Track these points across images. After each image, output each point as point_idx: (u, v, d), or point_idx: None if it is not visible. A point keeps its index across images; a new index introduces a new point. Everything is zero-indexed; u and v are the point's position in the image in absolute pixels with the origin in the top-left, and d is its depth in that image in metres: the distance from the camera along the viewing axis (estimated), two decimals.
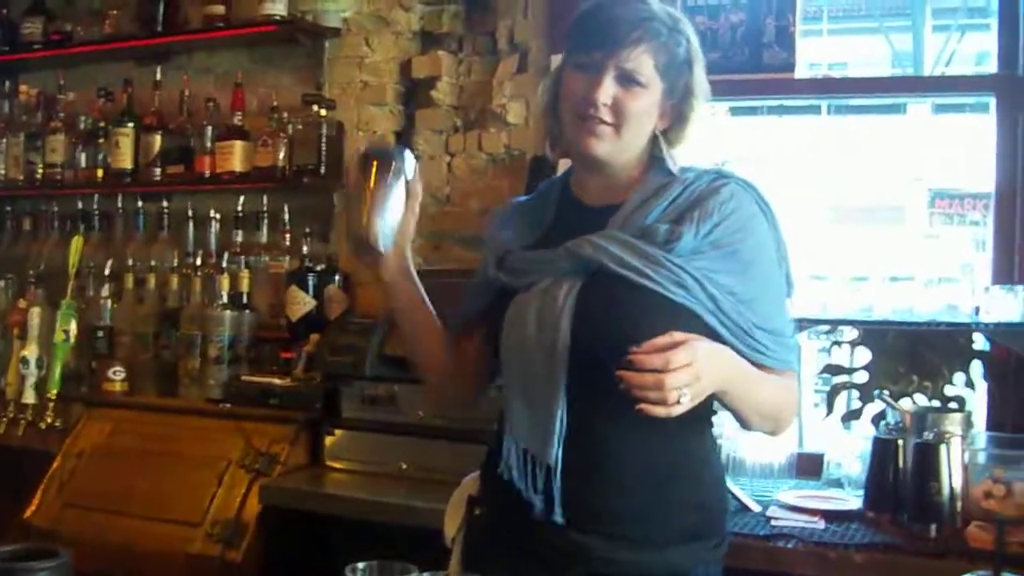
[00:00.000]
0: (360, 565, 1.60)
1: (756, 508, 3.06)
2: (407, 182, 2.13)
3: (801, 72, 3.70)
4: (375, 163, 2.09)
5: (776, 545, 2.78)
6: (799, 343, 2.21)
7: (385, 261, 2.16)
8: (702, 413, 2.03)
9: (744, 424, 2.12)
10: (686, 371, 1.81)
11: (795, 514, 2.99)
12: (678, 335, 1.84)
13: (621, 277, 2.02)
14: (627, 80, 2.06)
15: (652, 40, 2.06)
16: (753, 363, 2.05)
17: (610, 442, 2.05)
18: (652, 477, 2.06)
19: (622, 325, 1.95)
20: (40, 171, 4.77)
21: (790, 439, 3.45)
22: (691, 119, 2.16)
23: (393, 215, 2.11)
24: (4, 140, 4.90)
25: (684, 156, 2.19)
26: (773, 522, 2.93)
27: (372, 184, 2.08)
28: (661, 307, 1.98)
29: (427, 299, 2.28)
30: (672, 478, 2.08)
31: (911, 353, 3.35)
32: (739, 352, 2.03)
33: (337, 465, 3.67)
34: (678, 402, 1.81)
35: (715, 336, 2.01)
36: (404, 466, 3.53)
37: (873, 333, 3.39)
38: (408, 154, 2.15)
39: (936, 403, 3.30)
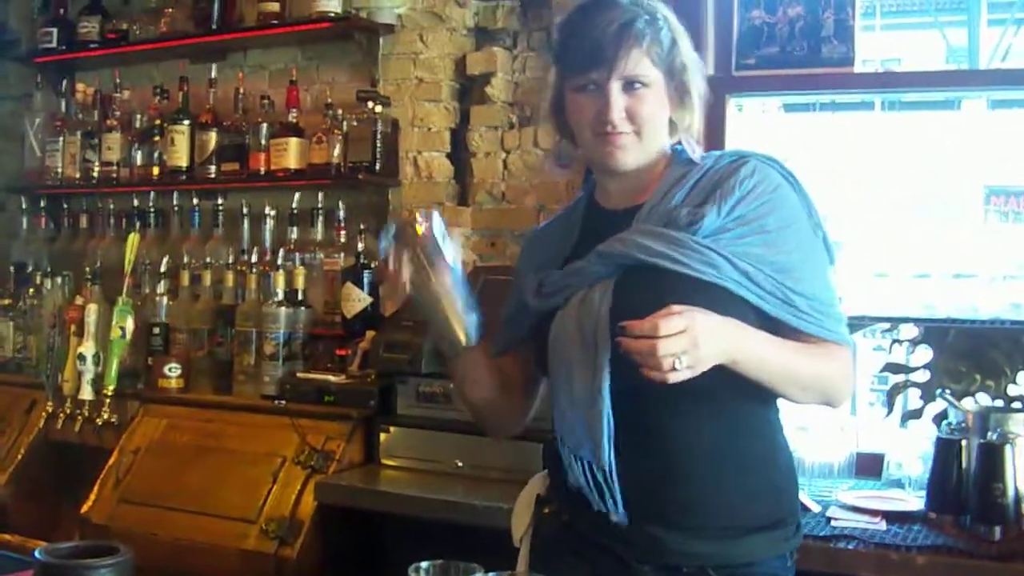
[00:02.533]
0: (424, 564, 1.58)
1: (816, 508, 3.02)
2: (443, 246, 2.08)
3: (858, 67, 3.65)
4: (420, 255, 2.03)
5: (837, 546, 2.75)
6: (845, 314, 2.15)
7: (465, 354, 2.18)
8: (763, 394, 2.03)
9: (785, 397, 2.09)
10: (680, 338, 1.81)
11: (856, 515, 2.95)
12: (676, 307, 1.85)
13: (651, 266, 2.01)
14: (632, 86, 2.07)
15: (641, 42, 2.06)
16: (800, 333, 2.04)
17: (670, 433, 2.04)
18: (719, 464, 2.05)
19: (655, 312, 1.90)
20: (96, 169, 4.84)
21: (849, 439, 3.41)
22: (692, 91, 2.15)
23: (459, 298, 2.10)
24: (61, 138, 4.97)
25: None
26: (833, 523, 2.90)
27: (436, 283, 2.05)
28: (694, 290, 1.97)
29: (483, 351, 2.26)
30: (741, 463, 2.07)
31: (973, 352, 3.28)
32: (785, 322, 2.02)
33: (392, 463, 3.66)
34: (674, 369, 1.81)
35: (757, 311, 2.01)
36: (459, 464, 3.52)
37: (934, 331, 3.34)
38: (428, 218, 2.05)
39: (999, 403, 3.23)
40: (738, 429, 2.07)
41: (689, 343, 1.82)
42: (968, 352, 3.29)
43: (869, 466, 3.38)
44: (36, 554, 1.71)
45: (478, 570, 1.59)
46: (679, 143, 2.18)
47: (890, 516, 2.94)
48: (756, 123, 3.79)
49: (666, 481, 2.04)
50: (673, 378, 1.82)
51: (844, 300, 2.20)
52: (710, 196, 2.05)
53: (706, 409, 2.01)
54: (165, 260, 4.41)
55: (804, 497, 3.04)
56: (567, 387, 2.10)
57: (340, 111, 4.26)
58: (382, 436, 3.69)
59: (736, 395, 2.02)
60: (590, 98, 2.08)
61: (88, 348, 4.24)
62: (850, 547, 2.74)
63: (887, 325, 3.44)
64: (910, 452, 3.29)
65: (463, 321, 2.12)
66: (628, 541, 2.06)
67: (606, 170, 2.17)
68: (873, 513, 2.96)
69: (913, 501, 3.05)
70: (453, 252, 2.08)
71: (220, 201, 4.52)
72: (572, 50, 2.12)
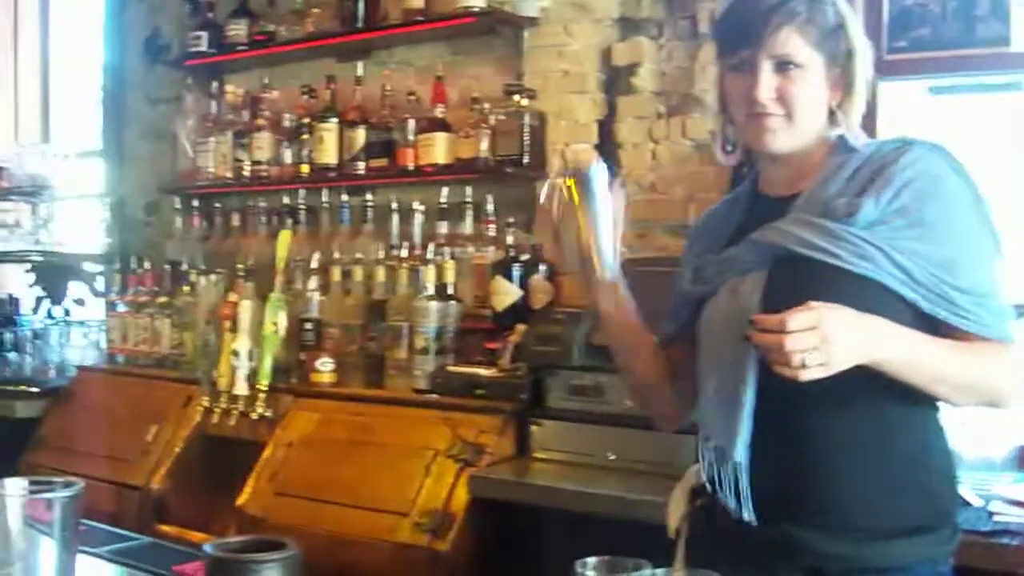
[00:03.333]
0: (591, 560, 1.55)
1: (978, 503, 2.93)
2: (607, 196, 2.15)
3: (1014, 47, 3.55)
4: (574, 185, 2.10)
5: (999, 542, 2.65)
6: (1011, 309, 2.04)
7: (604, 284, 2.18)
8: (915, 393, 1.94)
9: (940, 398, 2.00)
10: (810, 334, 1.77)
11: (1019, 509, 2.85)
12: (812, 303, 1.81)
13: (805, 258, 1.96)
14: (783, 66, 2.01)
15: (793, 20, 2.00)
16: (960, 331, 1.95)
17: (816, 431, 1.98)
18: (863, 463, 1.98)
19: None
20: (247, 168, 4.93)
21: (1011, 431, 3.31)
22: (858, 80, 2.08)
23: (607, 234, 2.13)
24: (212, 139, 5.08)
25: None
26: (996, 518, 2.79)
27: (578, 204, 2.09)
28: (849, 283, 1.92)
29: (640, 321, 2.26)
30: (888, 463, 1.99)
31: None
32: (944, 320, 1.94)
33: (544, 456, 3.66)
34: (804, 365, 1.78)
35: (914, 308, 1.93)
36: (611, 456, 3.50)
37: None
38: (601, 168, 2.13)
39: None
40: (886, 428, 2.00)
41: (819, 340, 1.78)
42: None
43: None
44: (206, 548, 1.73)
45: (645, 565, 1.56)
46: (837, 126, 2.11)
47: None
48: (904, 106, 3.70)
49: (806, 480, 1.99)
50: (804, 376, 1.79)
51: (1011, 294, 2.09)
52: (869, 185, 1.99)
53: (853, 407, 1.95)
54: (316, 256, 4.46)
55: (965, 491, 2.96)
56: (713, 376, 2.08)
57: (486, 105, 4.26)
58: (533, 429, 3.68)
59: (885, 394, 1.94)
60: (741, 77, 2.05)
61: (242, 344, 4.31)
62: (1014, 543, 2.64)
63: None
64: None
65: (600, 254, 2.12)
66: (766, 540, 2.01)
67: (759, 152, 2.14)
68: None
69: None
70: (606, 203, 2.11)
71: (369, 197, 4.56)
72: (725, 28, 2.11)
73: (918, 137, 2.09)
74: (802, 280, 1.95)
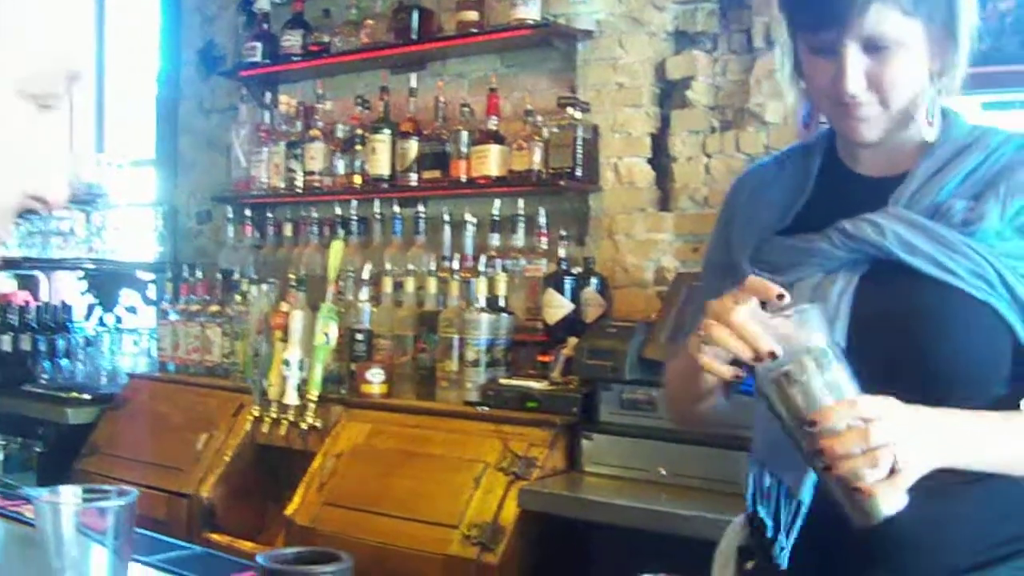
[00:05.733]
0: None
1: None
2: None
3: None
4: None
5: None
6: None
7: None
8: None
9: None
10: (891, 423, 1.48)
11: None
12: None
13: (909, 268, 1.65)
14: (874, 47, 1.64)
15: None
16: None
17: None
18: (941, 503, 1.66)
19: (909, 326, 1.63)
20: (300, 178, 4.93)
21: None
22: (961, 36, 1.70)
23: None
24: (265, 149, 5.08)
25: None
26: None
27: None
28: (958, 304, 1.63)
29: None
30: (974, 489, 1.66)
31: None
32: None
33: (595, 470, 3.64)
34: (895, 470, 1.46)
35: (1017, 341, 1.65)
36: (663, 471, 3.47)
37: None
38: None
39: None
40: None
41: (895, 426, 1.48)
42: None
43: None
44: (259, 559, 1.73)
45: None
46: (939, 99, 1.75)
47: None
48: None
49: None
50: (901, 483, 1.48)
51: None
52: (990, 189, 1.68)
53: None
54: (368, 267, 4.45)
55: None
56: None
57: (540, 118, 4.25)
58: (585, 443, 3.66)
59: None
60: (824, 61, 1.69)
61: (293, 354, 4.30)
62: None
63: None
64: None
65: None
66: None
67: (851, 143, 1.80)
68: None
69: None
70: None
71: (421, 209, 4.56)
72: (799, 2, 1.75)
73: None
74: (904, 293, 1.68)
